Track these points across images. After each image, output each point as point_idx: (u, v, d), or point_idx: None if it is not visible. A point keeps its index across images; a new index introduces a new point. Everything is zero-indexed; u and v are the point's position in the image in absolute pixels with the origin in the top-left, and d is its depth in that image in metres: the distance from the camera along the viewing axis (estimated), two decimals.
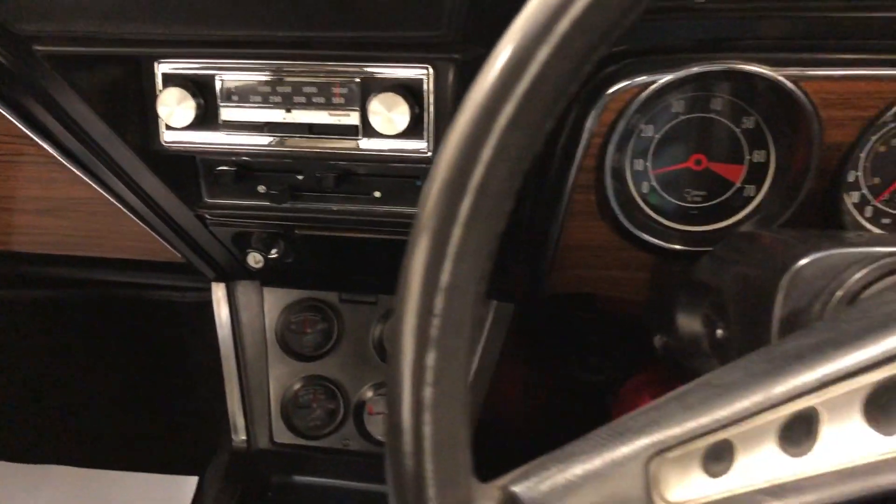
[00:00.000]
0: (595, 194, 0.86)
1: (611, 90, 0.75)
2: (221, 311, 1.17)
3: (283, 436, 1.17)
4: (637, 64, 0.75)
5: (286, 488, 1.20)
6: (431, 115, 0.84)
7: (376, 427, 1.14)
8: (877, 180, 0.85)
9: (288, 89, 0.85)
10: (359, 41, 0.81)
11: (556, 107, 0.37)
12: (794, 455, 0.45)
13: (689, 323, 0.83)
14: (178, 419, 1.65)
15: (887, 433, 0.46)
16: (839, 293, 0.56)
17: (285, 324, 1.16)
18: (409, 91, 0.83)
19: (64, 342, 1.66)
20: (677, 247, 0.89)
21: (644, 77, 0.74)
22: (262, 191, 0.96)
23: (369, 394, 1.14)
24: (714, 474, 0.44)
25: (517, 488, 0.41)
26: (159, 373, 1.68)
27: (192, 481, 1.55)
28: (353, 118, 0.86)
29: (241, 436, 1.19)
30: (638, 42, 0.78)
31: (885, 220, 0.86)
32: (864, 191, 0.85)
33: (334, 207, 0.97)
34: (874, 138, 0.83)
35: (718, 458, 0.45)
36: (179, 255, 1.11)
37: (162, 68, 0.86)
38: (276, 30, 0.79)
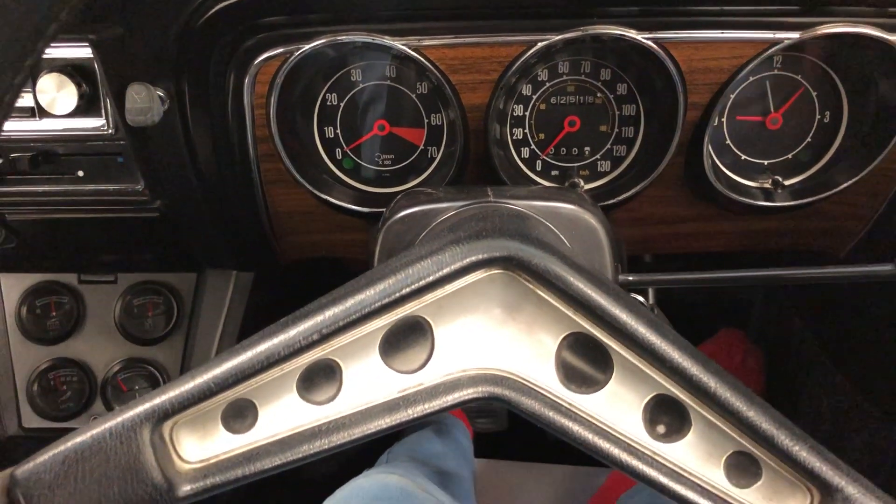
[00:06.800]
0: (282, 162, 0.89)
1: (256, 62, 0.78)
2: None
3: (33, 420, 1.16)
4: (271, 38, 0.78)
5: None
6: (106, 93, 0.84)
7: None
8: (542, 136, 0.93)
9: None
10: None
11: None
12: (318, 403, 0.50)
13: None
14: None
15: (403, 371, 0.52)
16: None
17: (27, 308, 1.15)
18: (79, 70, 0.83)
19: None
20: (373, 209, 0.94)
21: (281, 49, 0.78)
22: None
23: (116, 368, 1.14)
24: (237, 430, 0.49)
25: (18, 471, 0.43)
26: None
27: None
28: (26, 99, 0.85)
29: None
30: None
31: (555, 172, 0.94)
32: (533, 146, 0.93)
33: (39, 189, 0.96)
34: (535, 97, 0.90)
35: (240, 415, 0.49)
36: None
37: None
38: None
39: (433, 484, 1.05)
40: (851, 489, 0.46)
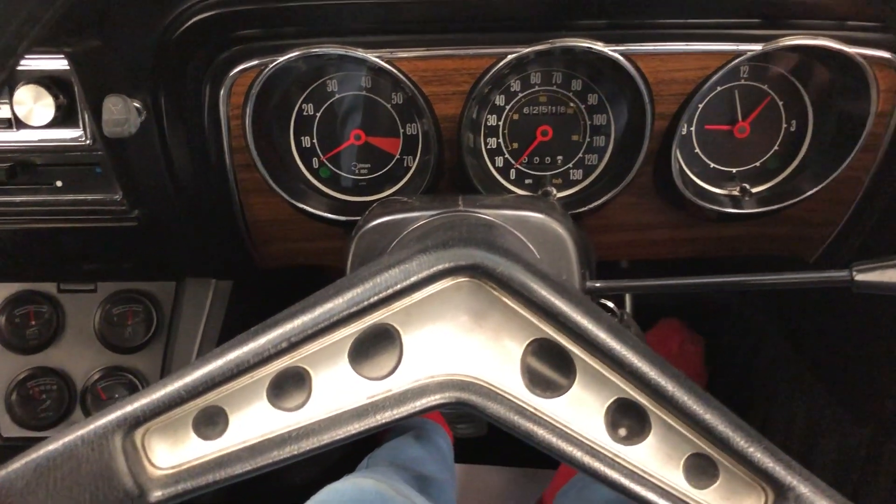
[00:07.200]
0: (258, 172, 0.90)
1: (231, 73, 0.79)
2: None
3: (12, 430, 1.16)
4: (246, 50, 0.79)
5: None
6: (83, 104, 0.85)
7: None
8: (515, 145, 0.94)
9: None
10: None
11: None
12: (288, 409, 0.51)
13: None
14: None
15: (371, 378, 0.53)
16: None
17: (6, 318, 1.15)
18: (56, 82, 0.84)
19: None
20: (350, 218, 0.95)
21: (256, 61, 0.79)
22: None
23: (96, 377, 1.15)
24: (208, 437, 0.50)
25: None
26: None
27: None
28: (3, 111, 0.86)
29: None
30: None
31: (528, 181, 0.96)
32: (507, 156, 0.95)
33: (17, 199, 0.96)
34: (508, 108, 0.92)
35: (211, 422, 0.50)
36: None
37: None
38: None
39: (412, 488, 1.06)
40: (803, 488, 0.47)
